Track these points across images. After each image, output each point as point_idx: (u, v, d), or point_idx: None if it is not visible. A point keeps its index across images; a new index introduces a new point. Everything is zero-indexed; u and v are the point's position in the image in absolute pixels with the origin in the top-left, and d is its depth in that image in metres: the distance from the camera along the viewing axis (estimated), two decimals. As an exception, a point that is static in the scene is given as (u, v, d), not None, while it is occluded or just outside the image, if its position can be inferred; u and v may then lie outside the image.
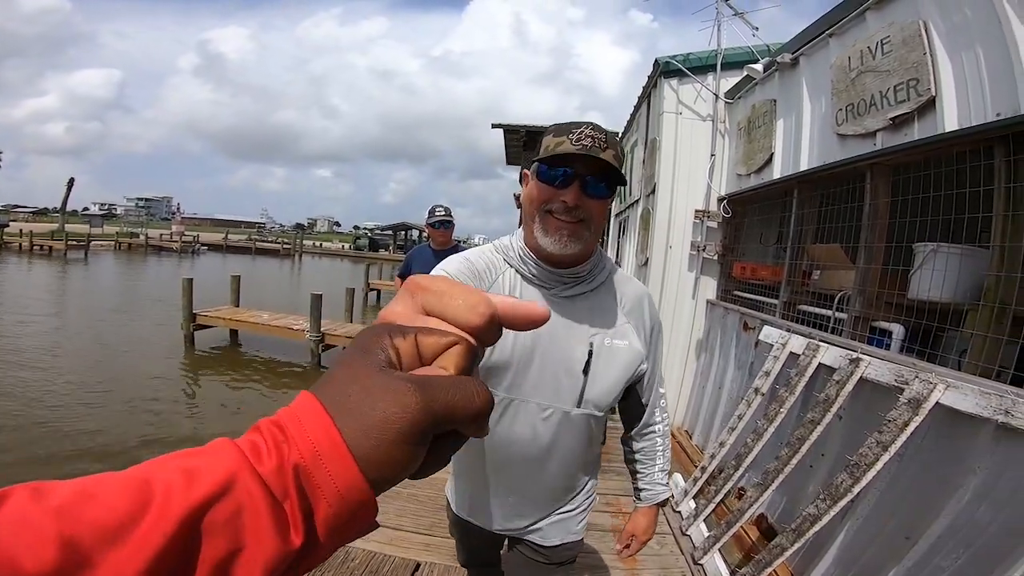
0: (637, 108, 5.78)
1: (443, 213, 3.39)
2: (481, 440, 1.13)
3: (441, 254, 3.45)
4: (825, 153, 2.66)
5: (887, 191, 2.33)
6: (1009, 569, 1.36)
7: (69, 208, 43.06)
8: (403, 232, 49.05)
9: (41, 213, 69.31)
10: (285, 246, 44.04)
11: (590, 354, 1.06)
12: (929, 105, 1.91)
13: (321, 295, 9.16)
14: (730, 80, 4.25)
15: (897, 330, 2.26)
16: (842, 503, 1.76)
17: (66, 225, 38.67)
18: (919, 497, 1.72)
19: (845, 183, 2.64)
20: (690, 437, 4.12)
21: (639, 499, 1.31)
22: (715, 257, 4.20)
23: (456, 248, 3.45)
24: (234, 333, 10.74)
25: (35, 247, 30.77)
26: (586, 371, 1.06)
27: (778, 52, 3.27)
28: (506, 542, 1.37)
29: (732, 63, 4.28)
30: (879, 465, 1.70)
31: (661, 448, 1.28)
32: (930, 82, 1.88)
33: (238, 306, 11.38)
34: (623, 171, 1.02)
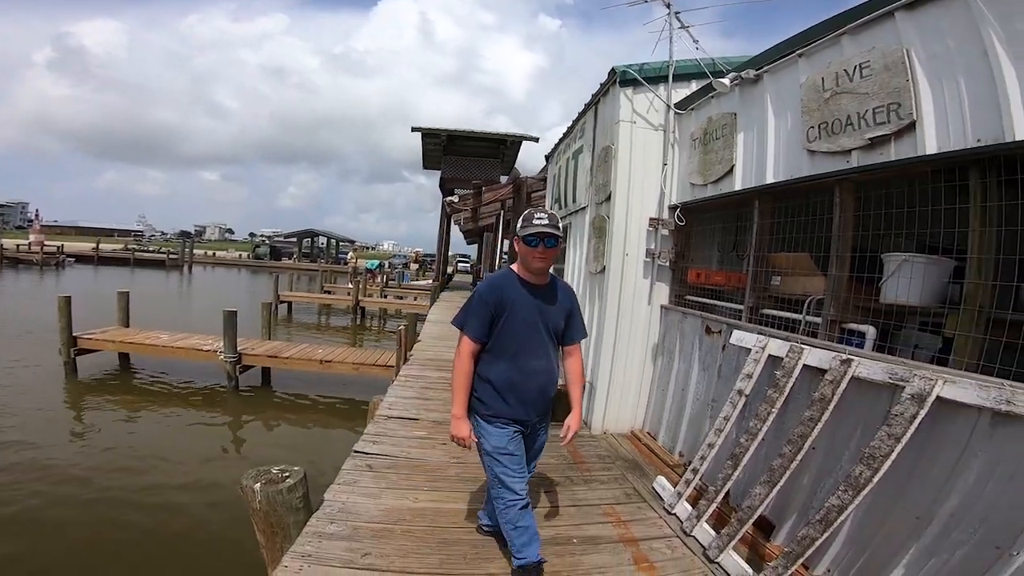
0: (582, 115, 5.88)
1: (545, 221, 2.07)
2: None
3: (540, 291, 2.18)
4: (792, 167, 2.86)
5: (853, 205, 2.56)
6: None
7: None
8: (310, 239, 46.40)
9: None
10: (171, 256, 39.60)
11: None
12: (909, 128, 2.13)
13: (235, 312, 8.35)
14: (678, 91, 4.47)
15: (870, 331, 2.49)
16: (864, 492, 1.89)
17: None
18: (923, 482, 1.90)
19: (809, 197, 2.87)
20: (654, 438, 4.26)
21: None
22: (667, 264, 4.40)
23: (555, 283, 2.28)
24: (124, 357, 9.48)
25: None
26: None
27: (741, 67, 3.46)
28: None
29: (680, 75, 4.50)
30: (894, 455, 1.85)
31: None
32: (911, 107, 2.09)
33: (127, 326, 10.03)
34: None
